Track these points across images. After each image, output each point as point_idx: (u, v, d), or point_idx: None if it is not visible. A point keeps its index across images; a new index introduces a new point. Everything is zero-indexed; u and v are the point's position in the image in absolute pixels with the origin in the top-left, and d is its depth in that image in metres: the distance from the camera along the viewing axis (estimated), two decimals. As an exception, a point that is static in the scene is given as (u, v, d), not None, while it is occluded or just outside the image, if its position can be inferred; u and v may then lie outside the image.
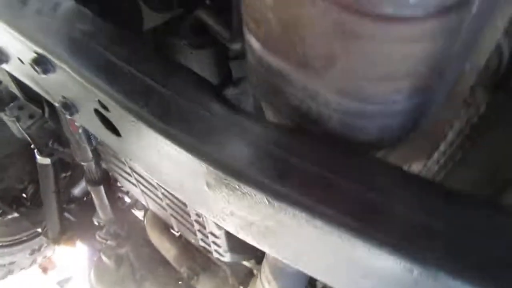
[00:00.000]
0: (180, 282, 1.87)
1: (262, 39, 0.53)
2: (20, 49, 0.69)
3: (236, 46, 0.66)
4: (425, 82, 0.45)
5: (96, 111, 0.67)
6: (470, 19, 0.39)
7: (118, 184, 1.96)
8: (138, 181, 1.36)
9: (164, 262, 1.79)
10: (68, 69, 0.62)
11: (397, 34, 0.39)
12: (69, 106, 0.74)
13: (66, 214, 2.10)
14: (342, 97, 0.48)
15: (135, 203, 2.17)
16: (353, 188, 0.48)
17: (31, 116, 1.60)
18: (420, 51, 0.41)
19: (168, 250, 1.64)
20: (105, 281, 2.11)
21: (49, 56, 0.64)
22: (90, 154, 1.54)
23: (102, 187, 1.70)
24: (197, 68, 0.78)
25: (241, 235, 0.68)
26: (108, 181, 1.71)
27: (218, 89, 0.86)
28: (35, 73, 0.68)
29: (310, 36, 0.44)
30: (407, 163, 0.66)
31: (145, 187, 1.30)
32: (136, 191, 1.48)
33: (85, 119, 0.78)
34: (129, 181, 1.44)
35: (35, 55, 0.66)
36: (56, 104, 0.77)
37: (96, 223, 1.92)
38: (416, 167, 0.66)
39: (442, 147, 0.62)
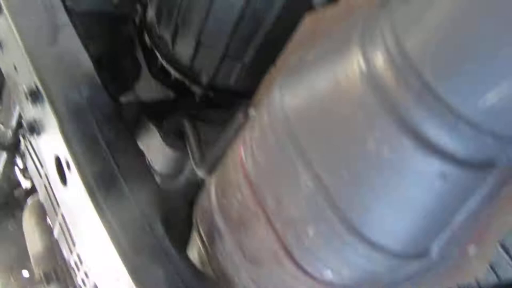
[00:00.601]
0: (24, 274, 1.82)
1: (220, 200, 0.65)
2: (24, 71, 0.74)
3: (199, 172, 0.77)
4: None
5: (58, 159, 0.73)
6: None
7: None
8: (46, 177, 1.35)
9: (23, 250, 1.74)
10: (56, 123, 0.68)
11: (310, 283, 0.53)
12: (34, 130, 0.79)
13: None
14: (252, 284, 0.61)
15: (25, 170, 2.08)
16: None
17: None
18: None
19: (35, 244, 1.61)
20: None
21: (46, 100, 0.70)
22: (14, 123, 1.50)
23: (5, 154, 1.65)
24: (159, 157, 0.88)
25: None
26: (14, 150, 1.66)
27: (169, 177, 0.96)
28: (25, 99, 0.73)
29: (251, 240, 0.58)
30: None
31: (49, 193, 1.31)
32: (37, 180, 1.45)
33: (41, 147, 0.83)
34: (37, 169, 1.42)
35: (34, 87, 0.72)
36: (23, 121, 0.81)
37: (-24, 178, 1.82)
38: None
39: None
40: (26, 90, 0.72)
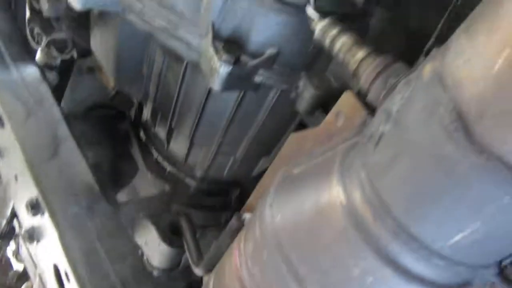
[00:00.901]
0: None
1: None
2: (25, 182, 0.77)
3: (198, 272, 0.79)
4: None
5: (56, 268, 0.75)
6: None
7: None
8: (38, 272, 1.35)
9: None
10: (56, 235, 0.71)
11: None
12: (33, 238, 0.81)
13: None
14: None
15: (17, 252, 2.06)
16: None
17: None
18: None
19: (26, 335, 1.57)
20: None
21: (46, 212, 0.73)
22: (8, 213, 1.52)
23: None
24: (156, 252, 0.90)
25: None
26: (9, 238, 1.65)
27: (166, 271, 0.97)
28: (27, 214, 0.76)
29: None
30: None
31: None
32: (32, 270, 1.44)
33: (38, 253, 0.84)
34: (32, 259, 1.42)
35: (34, 199, 0.75)
36: (22, 229, 0.83)
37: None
38: None
39: None
40: (26, 201, 0.75)
